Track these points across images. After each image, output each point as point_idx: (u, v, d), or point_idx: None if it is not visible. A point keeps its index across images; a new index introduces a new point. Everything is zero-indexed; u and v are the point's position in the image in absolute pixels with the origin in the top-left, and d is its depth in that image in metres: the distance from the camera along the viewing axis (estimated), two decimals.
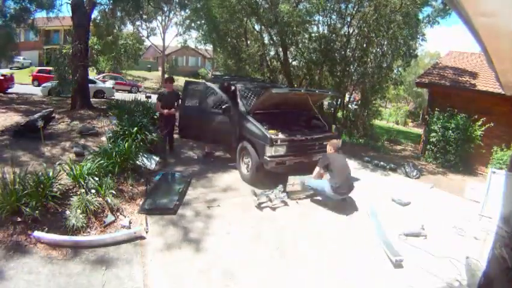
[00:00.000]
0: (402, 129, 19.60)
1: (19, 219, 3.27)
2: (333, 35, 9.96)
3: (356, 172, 6.37)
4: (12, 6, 9.47)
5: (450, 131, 7.70)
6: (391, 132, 13.62)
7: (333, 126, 5.90)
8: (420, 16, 9.41)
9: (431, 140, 8.19)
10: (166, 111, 6.09)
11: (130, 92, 20.00)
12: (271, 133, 4.94)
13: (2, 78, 13.92)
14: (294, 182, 4.81)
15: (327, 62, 10.11)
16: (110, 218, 3.71)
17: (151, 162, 5.52)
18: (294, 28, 9.72)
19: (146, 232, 3.64)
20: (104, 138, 6.06)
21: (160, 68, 33.77)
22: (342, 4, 9.63)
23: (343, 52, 10.01)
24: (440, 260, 3.54)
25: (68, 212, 3.53)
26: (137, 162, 5.01)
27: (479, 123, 7.51)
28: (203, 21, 12.23)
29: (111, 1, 10.35)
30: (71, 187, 3.98)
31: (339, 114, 11.08)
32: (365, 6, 9.28)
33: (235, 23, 11.38)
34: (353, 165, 6.85)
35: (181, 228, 3.83)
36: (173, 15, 27.45)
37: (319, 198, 4.81)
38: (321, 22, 10.39)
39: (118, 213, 3.88)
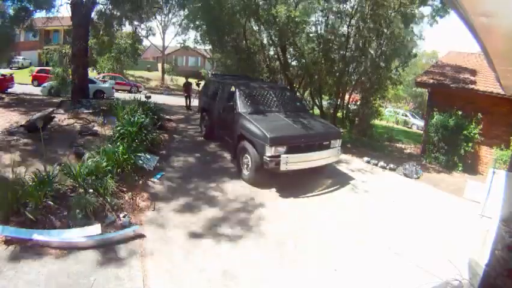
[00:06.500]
0: (402, 129, 19.63)
1: (19, 219, 3.27)
2: (332, 35, 9.95)
3: (356, 173, 6.37)
4: (12, 7, 9.45)
5: (449, 131, 7.69)
6: (391, 132, 13.60)
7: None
8: (419, 16, 9.41)
9: (430, 139, 8.18)
10: None
11: (129, 92, 19.97)
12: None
13: (1, 78, 13.89)
14: None
15: (326, 62, 10.10)
16: (109, 217, 3.71)
17: (151, 162, 5.51)
18: (292, 29, 9.71)
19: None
20: (104, 138, 6.05)
21: (160, 68, 33.69)
22: (341, 4, 9.62)
23: (341, 52, 10.00)
24: (440, 260, 3.54)
25: (66, 213, 3.53)
26: (137, 162, 5.00)
27: (476, 121, 7.51)
28: (201, 22, 12.17)
29: (110, 1, 10.33)
30: (70, 187, 3.98)
31: (339, 114, 11.07)
32: (364, 6, 9.26)
33: (234, 23, 11.36)
34: (353, 165, 6.85)
35: (180, 226, 3.83)
36: (173, 16, 27.40)
37: None
38: (319, 22, 10.39)
39: (118, 213, 3.88)
